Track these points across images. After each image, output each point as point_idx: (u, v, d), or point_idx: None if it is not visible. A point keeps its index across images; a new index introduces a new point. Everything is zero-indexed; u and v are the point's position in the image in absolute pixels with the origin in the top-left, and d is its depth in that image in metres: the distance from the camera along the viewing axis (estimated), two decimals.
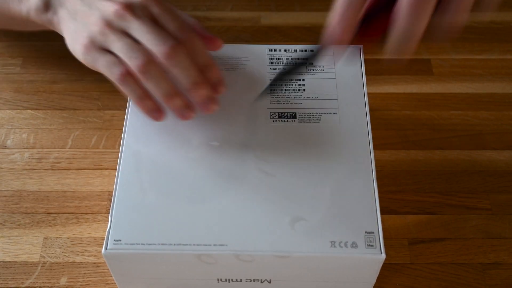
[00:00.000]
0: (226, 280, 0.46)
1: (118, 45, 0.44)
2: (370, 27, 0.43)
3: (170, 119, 0.49)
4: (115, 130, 0.60)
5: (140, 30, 0.44)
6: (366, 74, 0.52)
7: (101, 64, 0.45)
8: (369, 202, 0.45)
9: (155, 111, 0.46)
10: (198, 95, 0.45)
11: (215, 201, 0.45)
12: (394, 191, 0.56)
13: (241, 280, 0.46)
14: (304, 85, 0.52)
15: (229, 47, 0.54)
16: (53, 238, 0.54)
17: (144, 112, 0.46)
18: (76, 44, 0.46)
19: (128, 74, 0.45)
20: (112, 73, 0.45)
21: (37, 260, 0.52)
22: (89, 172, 0.58)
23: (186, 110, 0.46)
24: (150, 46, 0.44)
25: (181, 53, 0.44)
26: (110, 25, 0.45)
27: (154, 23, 0.45)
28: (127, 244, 0.43)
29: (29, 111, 0.62)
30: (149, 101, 0.46)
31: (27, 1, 0.51)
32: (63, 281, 0.51)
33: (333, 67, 0.53)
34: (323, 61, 0.53)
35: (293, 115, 0.50)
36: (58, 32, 0.50)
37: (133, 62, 0.44)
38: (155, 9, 0.46)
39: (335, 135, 0.48)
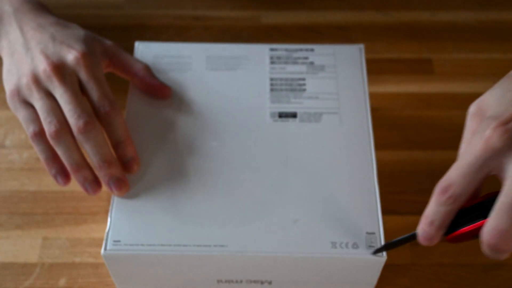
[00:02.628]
0: (226, 281, 0.46)
1: (39, 104, 0.45)
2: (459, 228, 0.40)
3: (170, 119, 0.49)
4: None
5: (62, 97, 0.45)
6: (367, 74, 0.52)
7: (20, 115, 0.46)
8: (370, 203, 0.45)
9: (60, 175, 0.47)
10: (106, 174, 0.45)
11: (215, 202, 0.45)
12: (395, 192, 0.56)
13: (241, 281, 0.46)
14: (304, 84, 0.51)
15: (229, 47, 0.54)
16: (52, 239, 0.53)
17: (50, 174, 0.47)
18: (5, 83, 0.48)
19: (40, 134, 0.46)
20: (27, 128, 0.46)
21: (36, 261, 0.52)
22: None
23: (92, 184, 0.46)
24: (67, 115, 0.45)
25: (94, 130, 0.45)
26: (37, 81, 0.46)
27: (77, 92, 0.46)
28: (127, 245, 0.43)
29: None
30: (56, 164, 0.47)
31: None
32: (62, 282, 0.51)
33: (334, 66, 0.53)
34: (323, 60, 0.53)
35: (294, 115, 0.49)
36: None
37: (47, 126, 0.45)
38: (83, 76, 0.46)
39: (336, 135, 0.48)
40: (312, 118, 0.49)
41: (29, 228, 0.54)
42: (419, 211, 0.55)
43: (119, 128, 0.46)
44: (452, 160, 0.58)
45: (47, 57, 0.46)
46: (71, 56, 0.46)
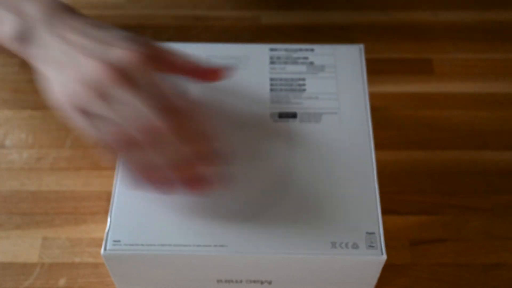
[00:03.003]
0: (226, 281, 0.46)
1: (111, 111, 0.41)
2: None
3: None
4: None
5: (132, 98, 0.41)
6: (367, 74, 0.52)
7: (90, 128, 0.42)
8: (370, 203, 0.45)
9: (165, 184, 0.42)
10: (190, 173, 0.42)
11: (215, 201, 0.45)
12: (395, 192, 0.56)
13: (241, 281, 0.46)
14: (304, 84, 0.51)
15: (229, 47, 0.54)
16: (52, 238, 0.53)
17: (151, 185, 0.42)
18: (54, 96, 0.43)
19: (129, 142, 0.41)
20: (107, 140, 0.42)
21: (36, 261, 0.52)
22: (88, 172, 0.57)
23: (199, 179, 0.42)
24: (145, 116, 0.40)
25: (181, 126, 0.41)
26: (98, 88, 0.41)
27: (143, 90, 0.41)
28: (126, 245, 0.43)
29: (28, 111, 0.62)
30: (156, 173, 0.42)
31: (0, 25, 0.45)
32: (62, 282, 0.51)
33: (334, 66, 0.53)
34: (323, 61, 0.53)
35: (294, 115, 0.49)
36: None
37: (135, 129, 0.41)
38: (142, 73, 0.42)
39: (335, 135, 0.48)
40: (312, 118, 0.49)
41: (29, 228, 0.54)
42: (419, 211, 0.55)
43: (199, 123, 0.43)
44: (451, 160, 0.59)
45: (99, 60, 0.41)
46: (123, 55, 0.42)
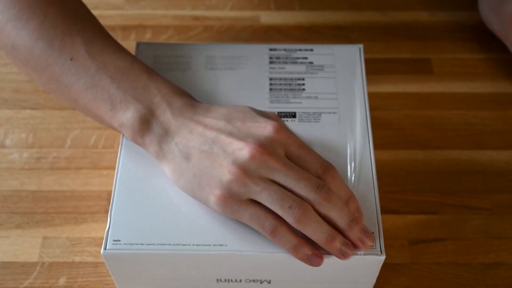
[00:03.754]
0: (225, 281, 0.46)
1: (264, 195, 0.40)
2: None
3: None
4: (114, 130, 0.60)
5: (286, 176, 0.40)
6: (366, 74, 0.52)
7: (246, 218, 0.41)
8: (369, 202, 0.45)
9: (315, 257, 0.41)
10: (358, 229, 0.42)
11: None
12: (394, 191, 0.56)
13: (240, 281, 0.46)
14: (304, 84, 0.52)
15: (228, 47, 0.54)
16: (52, 238, 0.53)
17: (303, 261, 0.42)
18: (203, 192, 0.42)
19: (281, 226, 0.41)
20: (263, 227, 0.41)
21: (36, 260, 0.52)
22: (88, 172, 0.57)
23: (347, 247, 0.41)
24: (302, 192, 0.40)
25: (333, 195, 0.41)
26: (247, 172, 0.40)
27: (293, 165, 0.41)
28: (126, 244, 0.43)
29: (28, 110, 0.62)
30: (307, 247, 0.41)
31: (121, 114, 0.44)
32: (62, 281, 0.51)
33: (333, 66, 0.53)
34: (322, 60, 0.53)
35: (293, 115, 0.50)
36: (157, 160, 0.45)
37: (288, 213, 0.40)
38: (290, 147, 0.42)
39: (335, 135, 0.48)
40: (311, 118, 0.49)
41: (29, 228, 0.54)
42: (418, 211, 0.55)
43: (344, 186, 0.43)
44: (450, 160, 0.59)
45: (244, 141, 0.40)
46: (267, 131, 0.41)
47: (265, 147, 0.40)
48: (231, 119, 0.42)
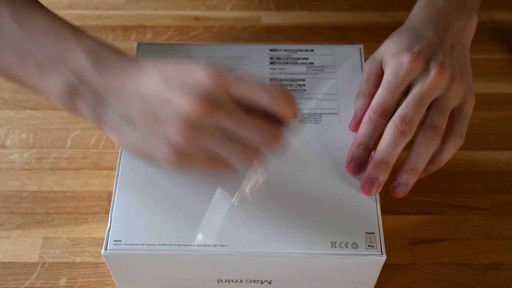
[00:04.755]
0: (226, 281, 0.46)
1: (212, 149, 0.40)
2: None
3: None
4: None
5: (232, 125, 0.39)
6: None
7: (199, 170, 0.41)
8: (370, 203, 0.45)
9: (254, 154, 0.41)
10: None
11: (215, 201, 0.45)
12: None
13: (241, 281, 0.46)
14: (304, 85, 0.52)
15: (229, 47, 0.54)
16: (52, 238, 0.53)
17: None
18: (151, 154, 0.40)
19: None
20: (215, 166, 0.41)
21: (37, 260, 0.52)
22: (89, 172, 0.57)
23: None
24: (251, 138, 0.40)
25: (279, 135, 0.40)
26: (193, 128, 0.38)
27: (241, 104, 0.39)
28: (127, 244, 0.43)
29: (28, 111, 0.62)
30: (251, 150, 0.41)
31: (48, 82, 0.41)
32: (62, 281, 0.51)
33: (334, 67, 0.53)
34: (323, 61, 0.53)
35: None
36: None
37: (242, 158, 0.40)
38: (234, 88, 0.39)
39: (335, 136, 0.48)
40: (312, 118, 0.49)
41: (30, 228, 0.54)
42: (419, 211, 0.55)
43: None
44: (450, 160, 0.58)
45: (184, 97, 0.38)
46: (205, 80, 0.38)
47: (206, 99, 0.38)
48: (166, 75, 0.39)
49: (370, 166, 0.45)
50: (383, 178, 0.45)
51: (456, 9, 0.51)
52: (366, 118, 0.46)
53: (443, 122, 0.47)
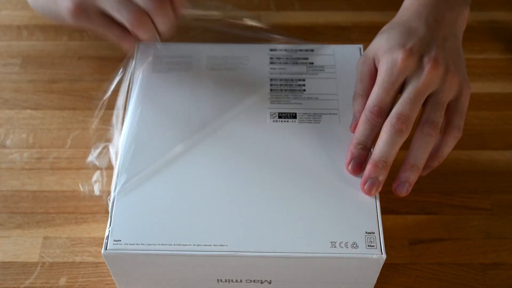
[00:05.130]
0: (226, 281, 0.46)
1: (108, 5, 0.47)
2: None
3: (170, 119, 0.49)
4: None
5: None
6: None
7: (100, 25, 0.49)
8: (370, 202, 0.45)
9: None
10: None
11: (215, 201, 0.45)
12: None
13: (241, 281, 0.46)
14: (304, 85, 0.52)
15: (229, 47, 0.54)
16: (52, 238, 0.53)
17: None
18: (58, 8, 0.49)
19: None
20: (113, 31, 0.50)
21: (37, 260, 0.52)
22: (89, 172, 0.57)
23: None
24: (140, 2, 0.47)
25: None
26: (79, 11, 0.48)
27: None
28: (127, 244, 0.43)
29: (28, 111, 0.62)
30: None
31: None
32: (62, 281, 0.51)
33: (334, 67, 0.53)
34: (323, 61, 0.53)
35: (294, 115, 0.50)
36: None
37: (127, 18, 0.47)
38: None
39: (335, 136, 0.48)
40: (312, 118, 0.50)
41: (30, 228, 0.54)
42: (419, 211, 0.55)
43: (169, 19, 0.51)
44: (450, 160, 0.59)
45: None
46: None
47: None
48: None
49: (368, 166, 0.45)
50: (382, 177, 0.45)
51: (447, 0, 0.50)
52: (362, 118, 0.46)
53: (440, 117, 0.46)
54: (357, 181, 0.46)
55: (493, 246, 0.53)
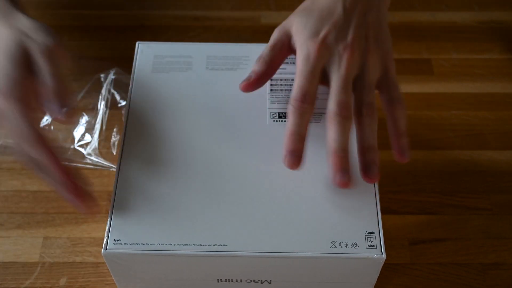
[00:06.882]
0: (226, 281, 0.46)
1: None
2: None
3: (170, 119, 0.49)
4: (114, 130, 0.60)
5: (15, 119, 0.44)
6: None
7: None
8: (370, 202, 0.45)
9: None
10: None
11: (215, 201, 0.45)
12: (395, 191, 0.56)
13: (241, 281, 0.46)
14: None
15: (229, 47, 0.54)
16: (52, 238, 0.53)
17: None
18: None
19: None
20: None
21: (37, 260, 0.52)
22: (89, 172, 0.57)
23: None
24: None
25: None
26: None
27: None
28: (127, 244, 0.43)
29: None
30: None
31: None
32: (62, 281, 0.51)
33: None
34: None
35: None
36: None
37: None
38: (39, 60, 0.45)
39: None
40: (312, 118, 0.49)
41: (30, 228, 0.54)
42: (419, 211, 0.55)
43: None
44: (450, 160, 0.59)
45: None
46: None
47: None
48: None
49: (334, 159, 0.44)
50: (348, 165, 0.44)
51: None
52: (290, 109, 0.45)
53: (372, 97, 0.46)
54: (357, 181, 0.46)
55: (493, 246, 0.53)
